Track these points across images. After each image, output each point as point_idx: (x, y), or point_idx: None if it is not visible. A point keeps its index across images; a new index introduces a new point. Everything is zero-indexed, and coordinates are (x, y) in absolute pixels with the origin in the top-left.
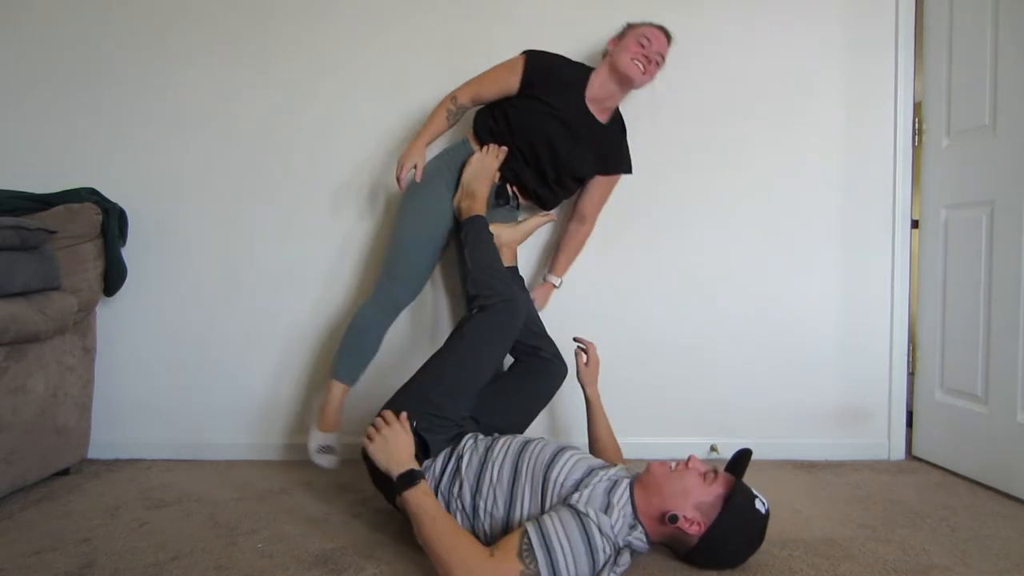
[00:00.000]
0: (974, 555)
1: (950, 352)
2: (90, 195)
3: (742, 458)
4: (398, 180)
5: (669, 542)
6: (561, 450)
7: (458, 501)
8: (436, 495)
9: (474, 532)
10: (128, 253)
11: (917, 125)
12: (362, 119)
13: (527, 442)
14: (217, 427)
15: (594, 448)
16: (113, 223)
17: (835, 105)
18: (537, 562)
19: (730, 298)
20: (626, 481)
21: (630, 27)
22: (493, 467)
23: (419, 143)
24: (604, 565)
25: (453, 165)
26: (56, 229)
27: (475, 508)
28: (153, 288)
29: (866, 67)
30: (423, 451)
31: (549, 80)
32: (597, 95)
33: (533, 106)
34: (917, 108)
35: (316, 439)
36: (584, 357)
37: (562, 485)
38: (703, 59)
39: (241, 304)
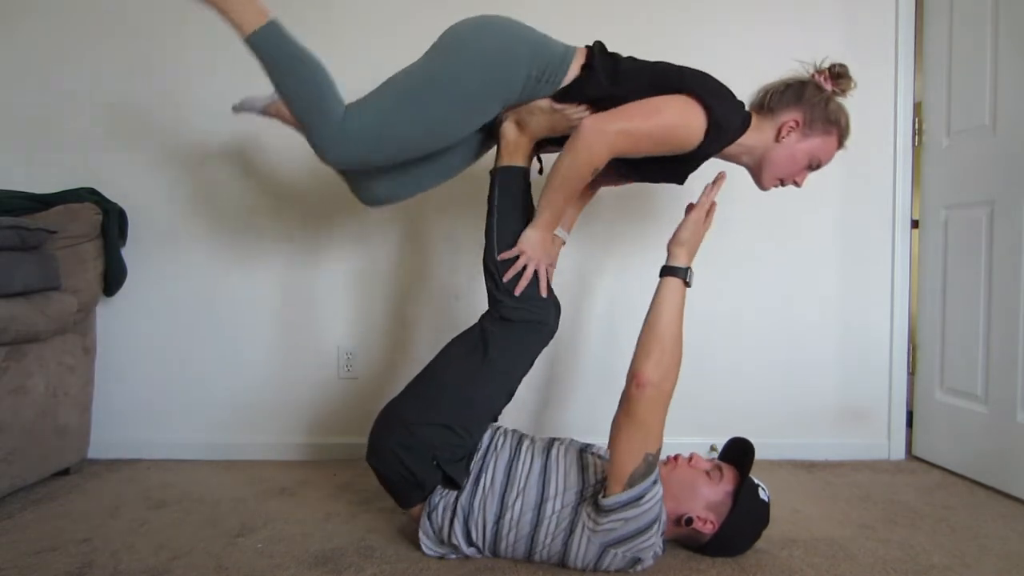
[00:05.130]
0: (974, 555)
1: (950, 352)
2: (90, 195)
3: (737, 447)
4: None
5: (682, 540)
6: (582, 450)
7: (481, 515)
8: (455, 508)
9: (496, 545)
10: (128, 253)
11: (917, 125)
12: None
13: (552, 441)
14: (217, 427)
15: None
16: (113, 223)
17: None
18: (641, 485)
19: (729, 298)
20: None
21: (834, 125)
22: (520, 469)
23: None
24: (633, 538)
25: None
26: (56, 229)
27: (502, 507)
28: (153, 288)
29: (866, 67)
30: (451, 484)
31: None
32: (727, 152)
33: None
34: (917, 108)
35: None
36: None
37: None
38: (702, 58)
39: (241, 304)
